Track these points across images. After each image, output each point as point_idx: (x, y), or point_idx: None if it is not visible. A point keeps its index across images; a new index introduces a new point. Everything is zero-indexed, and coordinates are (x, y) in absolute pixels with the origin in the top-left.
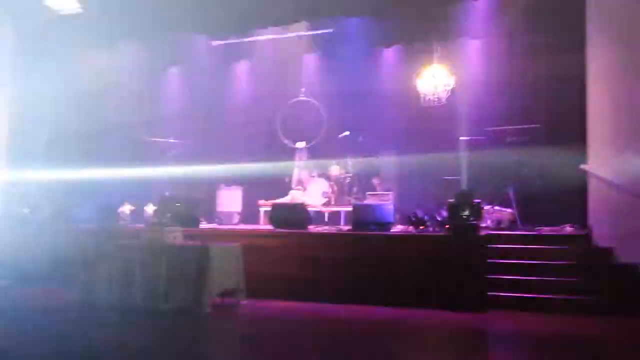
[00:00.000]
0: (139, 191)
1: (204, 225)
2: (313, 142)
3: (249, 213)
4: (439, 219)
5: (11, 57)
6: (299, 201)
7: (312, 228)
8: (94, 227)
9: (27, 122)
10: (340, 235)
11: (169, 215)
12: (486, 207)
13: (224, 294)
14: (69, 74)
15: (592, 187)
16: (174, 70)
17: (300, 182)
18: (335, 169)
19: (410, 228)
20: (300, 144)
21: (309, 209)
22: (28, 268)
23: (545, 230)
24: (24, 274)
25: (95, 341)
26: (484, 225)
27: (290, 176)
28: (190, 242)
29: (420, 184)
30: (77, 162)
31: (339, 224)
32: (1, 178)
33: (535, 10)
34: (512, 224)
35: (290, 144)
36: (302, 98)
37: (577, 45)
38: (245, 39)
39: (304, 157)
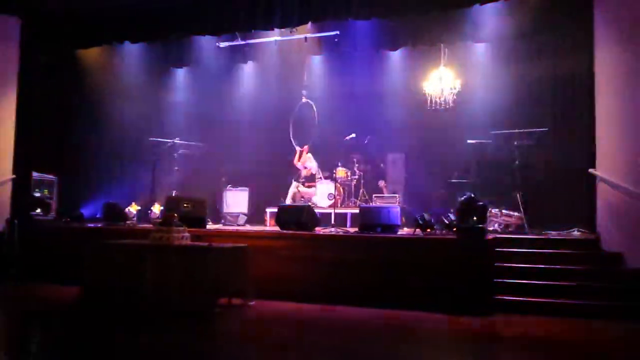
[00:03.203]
0: (146, 191)
1: (210, 226)
2: (310, 142)
3: (255, 214)
4: (446, 222)
5: (18, 56)
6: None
7: (318, 230)
8: (100, 227)
9: (33, 123)
10: (346, 238)
11: (175, 215)
12: (494, 211)
13: (232, 294)
14: (77, 74)
15: (600, 191)
16: (180, 72)
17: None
18: (341, 171)
19: (418, 231)
20: (307, 151)
21: (316, 210)
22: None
23: (553, 234)
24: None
25: (103, 342)
26: (491, 228)
27: (296, 178)
28: (197, 243)
29: (427, 187)
30: (84, 162)
31: (345, 226)
32: (9, 178)
33: (542, 12)
34: (520, 228)
35: (298, 146)
36: (305, 100)
37: (585, 47)
38: (252, 41)
39: (310, 159)
